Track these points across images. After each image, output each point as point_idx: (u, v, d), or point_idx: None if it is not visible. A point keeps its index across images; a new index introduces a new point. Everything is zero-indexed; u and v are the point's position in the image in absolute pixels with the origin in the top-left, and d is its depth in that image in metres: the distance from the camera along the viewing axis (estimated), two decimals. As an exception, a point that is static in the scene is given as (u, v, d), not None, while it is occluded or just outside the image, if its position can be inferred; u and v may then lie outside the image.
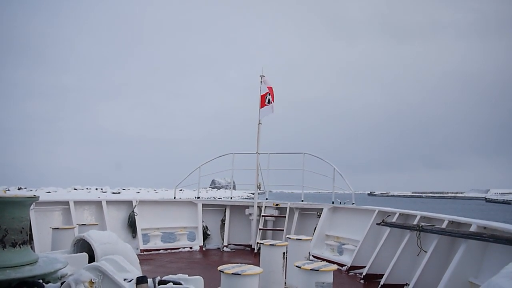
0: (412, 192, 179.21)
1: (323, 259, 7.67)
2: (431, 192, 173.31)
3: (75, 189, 57.54)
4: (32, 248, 6.91)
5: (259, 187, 9.46)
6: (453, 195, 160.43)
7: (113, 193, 53.59)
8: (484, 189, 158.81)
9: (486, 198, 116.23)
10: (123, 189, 63.71)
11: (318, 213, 8.83)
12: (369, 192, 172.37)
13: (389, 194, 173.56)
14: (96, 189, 59.87)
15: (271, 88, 9.30)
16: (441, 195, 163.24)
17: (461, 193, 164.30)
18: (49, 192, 44.72)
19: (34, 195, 2.70)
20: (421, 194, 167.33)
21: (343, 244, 8.13)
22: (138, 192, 59.30)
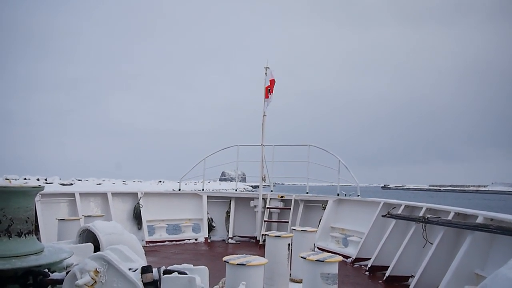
0: (429, 185, 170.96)
1: (328, 251, 7.64)
2: (450, 186, 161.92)
3: (6, 179, 49.55)
4: (38, 239, 7.03)
5: (264, 179, 9.50)
6: (475, 188, 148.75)
7: (62, 184, 44.03)
8: (509, 182, 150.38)
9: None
10: (79, 180, 53.54)
11: (323, 205, 8.83)
12: (383, 185, 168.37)
13: (404, 187, 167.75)
14: (38, 179, 49.29)
15: (273, 80, 9.28)
16: (462, 188, 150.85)
17: (484, 186, 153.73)
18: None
19: (39, 185, 2.73)
20: (439, 188, 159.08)
21: (348, 236, 8.12)
22: (100, 184, 49.94)
